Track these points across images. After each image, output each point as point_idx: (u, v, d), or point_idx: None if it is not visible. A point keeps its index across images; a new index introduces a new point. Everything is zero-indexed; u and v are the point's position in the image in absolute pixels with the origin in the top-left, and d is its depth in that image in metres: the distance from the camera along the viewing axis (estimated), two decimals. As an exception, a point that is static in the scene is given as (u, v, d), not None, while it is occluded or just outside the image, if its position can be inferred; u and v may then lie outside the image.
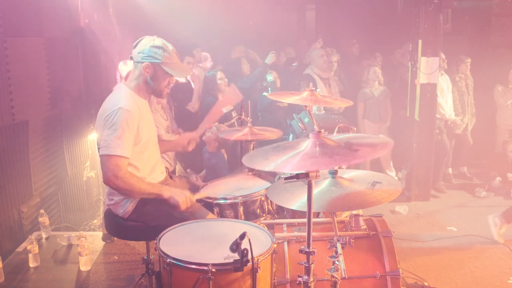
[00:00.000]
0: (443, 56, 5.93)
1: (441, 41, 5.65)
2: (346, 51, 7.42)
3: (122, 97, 2.67)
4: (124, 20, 5.29)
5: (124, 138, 2.57)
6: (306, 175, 1.94)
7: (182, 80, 5.43)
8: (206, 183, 3.49)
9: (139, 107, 2.72)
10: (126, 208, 2.75)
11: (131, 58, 2.77)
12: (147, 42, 2.72)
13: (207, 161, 4.59)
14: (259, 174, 3.47)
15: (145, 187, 2.66)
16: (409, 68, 5.96)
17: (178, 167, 4.63)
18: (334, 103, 3.42)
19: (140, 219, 2.75)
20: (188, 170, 4.44)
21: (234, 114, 5.12)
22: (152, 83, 2.74)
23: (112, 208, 2.82)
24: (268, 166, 1.95)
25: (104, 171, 2.59)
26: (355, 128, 3.39)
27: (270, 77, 5.56)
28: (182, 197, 2.68)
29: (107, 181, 2.59)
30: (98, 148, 2.68)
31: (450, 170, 6.71)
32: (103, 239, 4.25)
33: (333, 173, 2.30)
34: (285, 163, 1.93)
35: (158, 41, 2.74)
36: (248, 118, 3.75)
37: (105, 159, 2.57)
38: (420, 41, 5.59)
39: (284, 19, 9.74)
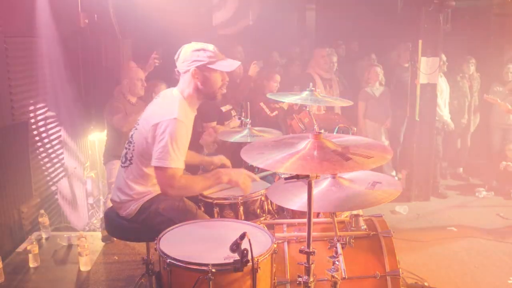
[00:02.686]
0: (444, 58, 5.93)
1: (441, 41, 5.65)
2: (343, 52, 7.41)
3: (177, 106, 2.62)
4: (124, 20, 5.29)
5: (176, 149, 2.55)
6: (306, 175, 1.94)
7: None
8: None
9: (188, 119, 2.70)
10: (130, 210, 2.75)
11: (178, 72, 2.74)
12: (187, 49, 2.69)
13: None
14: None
15: (202, 184, 2.69)
16: (408, 68, 5.97)
17: None
18: (334, 103, 3.43)
19: (142, 222, 2.75)
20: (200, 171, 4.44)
21: (233, 113, 5.12)
22: (203, 88, 2.72)
23: (115, 206, 2.82)
24: (258, 162, 1.95)
25: (160, 183, 2.60)
26: (355, 129, 3.39)
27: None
28: (241, 177, 2.71)
29: (164, 192, 2.62)
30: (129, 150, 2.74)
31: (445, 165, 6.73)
32: (103, 240, 4.25)
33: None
34: (277, 162, 1.92)
35: (196, 44, 2.71)
36: (248, 120, 3.75)
37: (160, 171, 2.56)
38: (420, 41, 5.59)
39: (284, 19, 9.74)
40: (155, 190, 2.75)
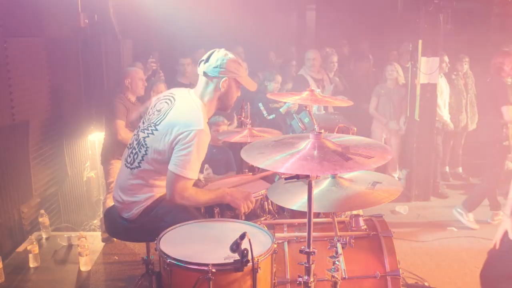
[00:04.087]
0: (446, 59, 5.94)
1: (441, 41, 5.65)
2: (340, 52, 7.42)
3: (201, 116, 2.58)
4: (124, 20, 5.29)
5: (197, 161, 2.55)
6: (306, 175, 1.94)
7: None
8: (212, 180, 3.50)
9: (207, 127, 2.64)
10: (132, 213, 2.74)
11: (204, 74, 2.68)
12: (222, 56, 2.65)
13: (214, 156, 4.58)
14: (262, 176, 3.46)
15: (207, 198, 2.69)
16: (409, 68, 5.97)
17: None
18: (334, 103, 3.42)
19: (143, 224, 2.74)
20: (206, 165, 4.45)
21: (234, 113, 5.12)
22: (224, 99, 2.71)
23: (117, 206, 2.81)
24: (260, 162, 1.95)
25: (171, 189, 2.57)
26: (355, 129, 3.39)
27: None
28: (243, 203, 2.72)
29: (171, 199, 2.59)
30: (145, 151, 2.66)
31: (447, 168, 6.72)
32: (103, 240, 4.25)
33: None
34: (277, 162, 1.92)
35: (231, 55, 2.69)
36: (248, 120, 3.75)
37: (174, 178, 2.54)
38: (420, 41, 5.60)
39: (284, 19, 9.74)
40: (159, 192, 2.73)
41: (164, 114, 2.67)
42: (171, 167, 2.55)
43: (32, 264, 3.73)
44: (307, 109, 3.49)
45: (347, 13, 8.41)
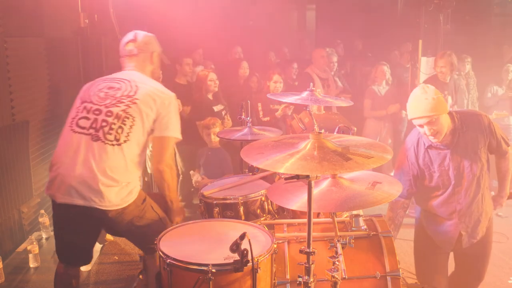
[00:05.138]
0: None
1: (441, 41, 5.66)
2: (342, 51, 7.42)
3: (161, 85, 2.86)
4: (124, 20, 5.29)
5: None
6: (306, 175, 1.94)
7: (183, 82, 5.47)
8: (212, 180, 3.49)
9: None
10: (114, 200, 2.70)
11: (138, 51, 2.90)
12: (148, 34, 2.94)
13: (209, 158, 4.56)
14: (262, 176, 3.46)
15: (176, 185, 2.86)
16: (409, 68, 5.97)
17: None
18: (334, 103, 3.43)
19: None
20: (191, 172, 4.42)
21: (224, 113, 5.14)
22: (156, 71, 3.00)
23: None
24: (258, 162, 1.95)
25: (165, 152, 2.71)
26: (355, 129, 3.39)
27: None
28: (179, 217, 2.91)
29: (159, 164, 2.70)
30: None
31: None
32: (99, 242, 4.24)
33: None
34: (277, 162, 1.92)
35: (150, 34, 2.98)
36: (248, 118, 3.75)
37: (167, 141, 2.72)
38: (420, 41, 5.60)
39: (284, 19, 9.74)
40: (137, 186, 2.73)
41: (138, 87, 2.74)
42: (168, 132, 2.70)
43: (32, 264, 3.73)
44: (307, 109, 3.49)
45: (347, 13, 8.42)
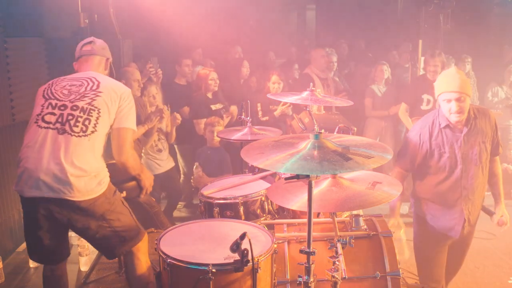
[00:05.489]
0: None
1: (441, 41, 5.65)
2: (339, 52, 7.41)
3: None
4: (124, 20, 5.29)
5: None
6: (306, 175, 1.94)
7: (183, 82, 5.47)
8: (211, 180, 3.49)
9: None
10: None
11: (97, 54, 3.09)
12: (102, 41, 3.17)
13: (209, 157, 4.56)
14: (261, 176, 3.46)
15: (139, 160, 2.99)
16: (408, 68, 5.97)
17: None
18: (334, 103, 3.42)
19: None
20: (197, 163, 4.42)
21: (222, 112, 5.14)
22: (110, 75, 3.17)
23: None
24: (258, 162, 1.96)
25: (125, 144, 2.77)
26: (355, 129, 3.39)
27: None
28: (150, 182, 3.05)
29: (121, 154, 2.76)
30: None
31: None
32: None
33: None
34: (277, 162, 1.92)
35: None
36: (248, 118, 3.75)
37: (126, 132, 2.78)
38: (420, 41, 5.60)
39: (284, 19, 9.74)
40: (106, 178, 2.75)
41: (102, 82, 2.85)
42: (122, 123, 2.78)
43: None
44: (307, 109, 3.49)
45: (347, 13, 8.41)
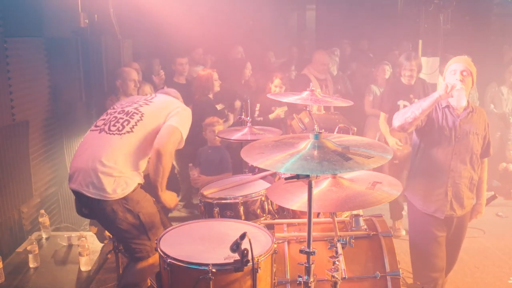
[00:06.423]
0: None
1: (441, 41, 5.65)
2: (345, 51, 7.42)
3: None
4: (124, 20, 5.29)
5: None
6: (306, 175, 1.94)
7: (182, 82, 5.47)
8: (209, 179, 3.49)
9: None
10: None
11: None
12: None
13: (209, 156, 4.56)
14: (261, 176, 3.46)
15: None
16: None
17: None
18: (334, 103, 3.42)
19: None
20: (190, 164, 4.42)
21: (226, 111, 5.14)
22: None
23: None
24: (258, 162, 1.96)
25: (169, 137, 2.79)
26: (355, 128, 3.39)
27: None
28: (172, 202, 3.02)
29: (165, 144, 2.76)
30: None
31: None
32: (99, 240, 4.24)
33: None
34: (277, 162, 1.92)
35: None
36: (248, 118, 3.76)
37: (174, 129, 2.81)
38: (420, 41, 5.60)
39: (284, 19, 9.74)
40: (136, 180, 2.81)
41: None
42: (170, 122, 2.87)
43: (32, 264, 3.73)
44: (307, 109, 3.49)
45: (347, 13, 8.41)
